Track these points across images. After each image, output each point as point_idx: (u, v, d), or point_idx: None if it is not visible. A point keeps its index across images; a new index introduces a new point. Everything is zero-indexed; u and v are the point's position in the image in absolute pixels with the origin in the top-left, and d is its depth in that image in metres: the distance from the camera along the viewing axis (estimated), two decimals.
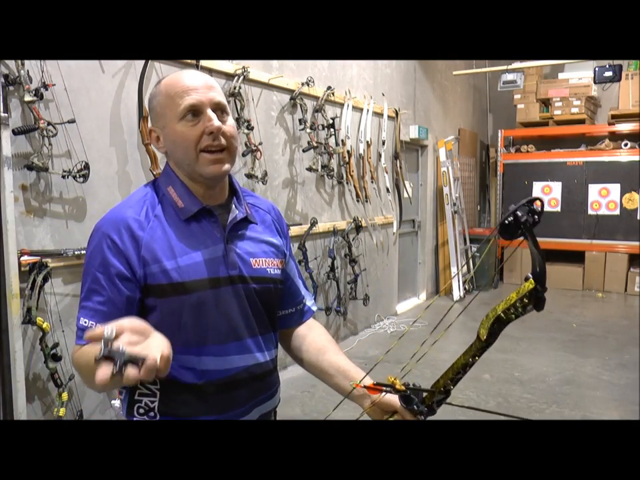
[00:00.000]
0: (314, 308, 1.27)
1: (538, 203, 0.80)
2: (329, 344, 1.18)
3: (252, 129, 3.35)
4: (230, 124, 1.02)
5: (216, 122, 0.98)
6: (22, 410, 2.22)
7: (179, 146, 1.00)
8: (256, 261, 1.09)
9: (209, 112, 0.99)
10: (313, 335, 1.21)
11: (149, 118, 1.15)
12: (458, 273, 6.37)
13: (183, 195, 1.05)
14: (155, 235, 1.01)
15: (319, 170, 4.04)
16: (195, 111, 0.98)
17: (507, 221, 0.80)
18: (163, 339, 0.76)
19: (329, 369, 1.12)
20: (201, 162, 1.00)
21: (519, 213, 0.79)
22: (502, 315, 0.82)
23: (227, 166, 1.02)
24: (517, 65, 5.80)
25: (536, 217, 0.80)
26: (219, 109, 1.01)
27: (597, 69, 5.06)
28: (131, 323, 0.75)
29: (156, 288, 0.99)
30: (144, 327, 0.76)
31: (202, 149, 0.99)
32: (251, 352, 1.07)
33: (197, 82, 1.00)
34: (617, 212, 6.90)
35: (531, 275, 0.81)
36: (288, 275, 1.20)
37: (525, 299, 0.80)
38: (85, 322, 0.97)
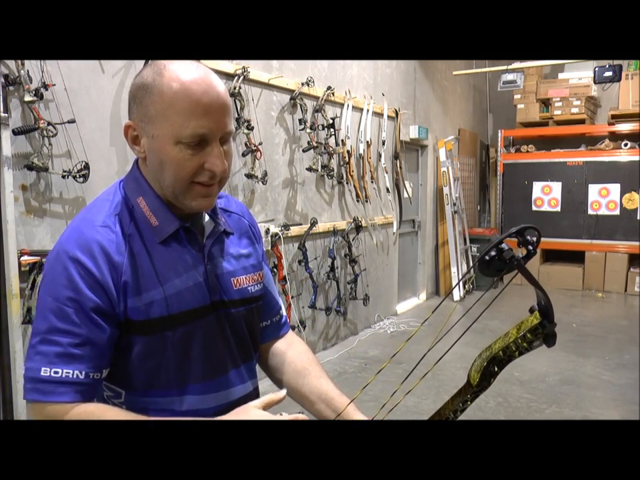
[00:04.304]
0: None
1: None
2: (310, 365, 1.07)
3: (252, 128, 3.35)
4: (230, 152, 0.88)
5: (222, 164, 0.84)
6: (22, 410, 2.22)
7: (168, 170, 0.85)
8: (237, 280, 0.97)
9: (217, 148, 0.84)
10: (292, 352, 1.09)
11: (129, 107, 0.90)
12: (458, 274, 6.36)
13: (156, 209, 0.90)
14: (134, 260, 0.86)
15: (319, 170, 4.04)
16: (203, 142, 0.83)
17: (487, 257, 0.65)
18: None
19: (310, 395, 1.02)
20: (191, 194, 0.87)
21: (504, 246, 0.65)
22: (500, 353, 0.71)
23: (214, 199, 0.91)
24: (517, 65, 5.81)
25: (530, 247, 0.66)
26: (227, 138, 0.87)
27: (596, 69, 5.06)
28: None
29: (140, 324, 0.85)
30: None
31: (195, 181, 0.86)
32: (234, 385, 0.97)
33: (214, 101, 0.82)
34: (617, 212, 6.90)
35: (536, 307, 0.70)
36: (263, 284, 1.06)
37: (529, 335, 0.69)
38: (58, 371, 0.79)
